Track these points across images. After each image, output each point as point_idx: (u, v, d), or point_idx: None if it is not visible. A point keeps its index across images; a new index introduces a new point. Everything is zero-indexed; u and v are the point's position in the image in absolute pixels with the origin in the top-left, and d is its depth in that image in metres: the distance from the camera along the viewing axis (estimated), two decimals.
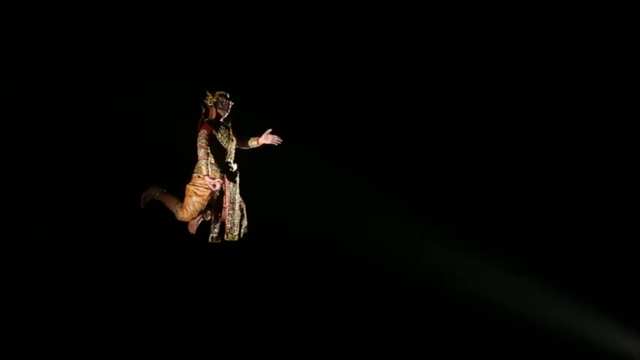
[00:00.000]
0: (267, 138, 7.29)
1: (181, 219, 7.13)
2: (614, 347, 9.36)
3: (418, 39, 9.43)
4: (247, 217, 7.21)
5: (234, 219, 7.09)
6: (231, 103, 7.15)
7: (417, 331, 9.36)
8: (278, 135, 7.29)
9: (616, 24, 9.34)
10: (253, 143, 7.33)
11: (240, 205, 7.15)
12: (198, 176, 7.01)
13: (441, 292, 9.49)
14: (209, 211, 7.14)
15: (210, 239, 7.16)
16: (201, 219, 7.18)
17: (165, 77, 8.67)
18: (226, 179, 7.07)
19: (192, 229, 7.23)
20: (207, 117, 7.12)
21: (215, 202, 7.10)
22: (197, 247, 7.37)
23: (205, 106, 7.14)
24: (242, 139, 7.31)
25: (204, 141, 6.94)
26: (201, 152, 6.93)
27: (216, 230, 7.15)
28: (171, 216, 7.20)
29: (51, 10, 8.38)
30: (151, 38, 8.63)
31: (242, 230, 7.17)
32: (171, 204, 7.18)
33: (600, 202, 9.62)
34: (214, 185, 6.93)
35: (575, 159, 9.62)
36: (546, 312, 9.51)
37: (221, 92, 7.16)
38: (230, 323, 9.03)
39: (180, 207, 7.09)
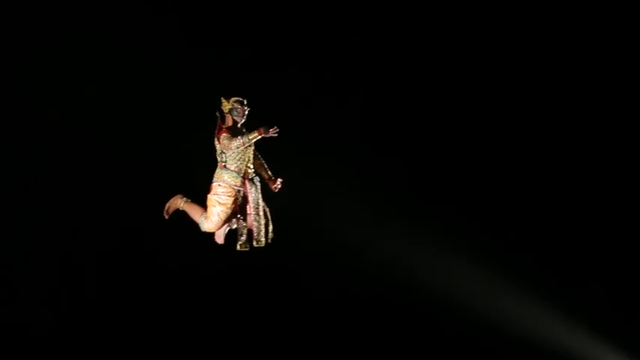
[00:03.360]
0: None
1: (206, 230, 6.99)
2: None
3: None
4: (272, 222, 7.08)
5: (260, 224, 6.98)
6: (247, 109, 6.98)
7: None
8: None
9: (616, 24, 9.31)
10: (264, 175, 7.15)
11: (264, 210, 7.04)
12: (219, 185, 6.92)
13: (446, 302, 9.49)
14: (234, 219, 7.02)
15: (238, 247, 7.03)
16: (228, 228, 7.06)
17: (173, 83, 8.66)
18: (247, 184, 6.95)
19: (220, 239, 7.11)
20: (224, 124, 6.98)
21: (239, 210, 6.99)
22: (225, 255, 7.28)
23: (221, 113, 6.99)
24: (259, 158, 7.13)
25: (228, 142, 6.80)
26: (235, 143, 6.77)
27: (243, 237, 7.02)
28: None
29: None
30: (153, 41, 8.67)
31: (269, 235, 7.06)
32: (195, 214, 7.03)
33: (597, 211, 9.60)
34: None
35: (574, 166, 9.62)
36: (541, 324, 9.51)
37: (236, 98, 6.98)
38: (260, 329, 9.02)
39: (205, 218, 6.96)
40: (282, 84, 9.02)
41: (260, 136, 6.77)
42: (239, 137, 6.80)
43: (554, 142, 9.58)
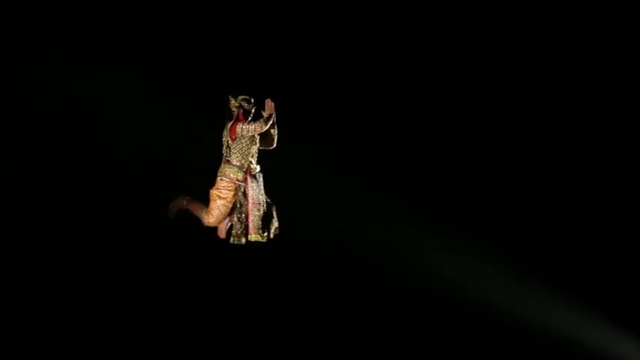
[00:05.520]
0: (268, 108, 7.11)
1: (208, 224, 7.15)
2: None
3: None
4: (278, 218, 7.19)
5: (258, 220, 7.06)
6: (254, 107, 7.11)
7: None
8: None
9: (615, 24, 9.21)
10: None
11: (265, 206, 7.13)
12: (221, 179, 7.05)
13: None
14: (235, 214, 7.12)
15: (232, 240, 7.13)
16: (229, 222, 7.16)
17: (178, 82, 8.69)
18: (249, 180, 7.07)
19: (222, 233, 7.21)
20: (232, 120, 7.10)
21: (240, 204, 7.08)
22: (222, 248, 7.33)
23: (229, 110, 7.12)
24: (264, 137, 7.17)
25: (252, 127, 6.94)
26: (254, 127, 6.93)
27: (238, 232, 7.11)
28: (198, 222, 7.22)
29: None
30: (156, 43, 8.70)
31: (272, 231, 7.17)
32: (197, 210, 7.20)
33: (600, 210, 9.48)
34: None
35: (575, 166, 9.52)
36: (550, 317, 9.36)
37: (244, 97, 7.12)
38: (256, 325, 8.98)
39: (206, 212, 7.11)
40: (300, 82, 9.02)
41: (271, 114, 6.95)
42: (259, 121, 6.94)
43: (556, 142, 9.58)
